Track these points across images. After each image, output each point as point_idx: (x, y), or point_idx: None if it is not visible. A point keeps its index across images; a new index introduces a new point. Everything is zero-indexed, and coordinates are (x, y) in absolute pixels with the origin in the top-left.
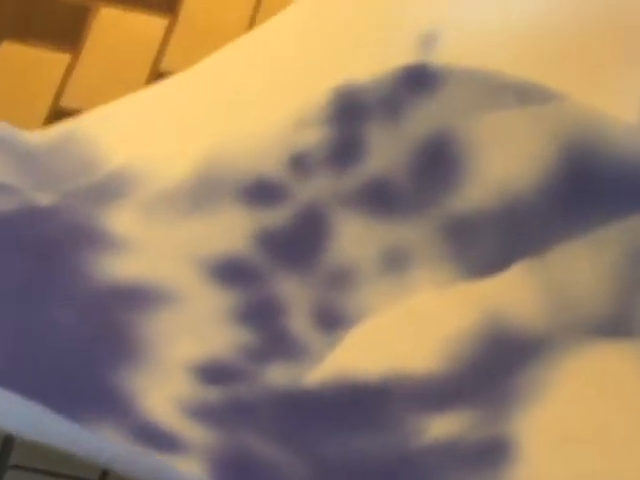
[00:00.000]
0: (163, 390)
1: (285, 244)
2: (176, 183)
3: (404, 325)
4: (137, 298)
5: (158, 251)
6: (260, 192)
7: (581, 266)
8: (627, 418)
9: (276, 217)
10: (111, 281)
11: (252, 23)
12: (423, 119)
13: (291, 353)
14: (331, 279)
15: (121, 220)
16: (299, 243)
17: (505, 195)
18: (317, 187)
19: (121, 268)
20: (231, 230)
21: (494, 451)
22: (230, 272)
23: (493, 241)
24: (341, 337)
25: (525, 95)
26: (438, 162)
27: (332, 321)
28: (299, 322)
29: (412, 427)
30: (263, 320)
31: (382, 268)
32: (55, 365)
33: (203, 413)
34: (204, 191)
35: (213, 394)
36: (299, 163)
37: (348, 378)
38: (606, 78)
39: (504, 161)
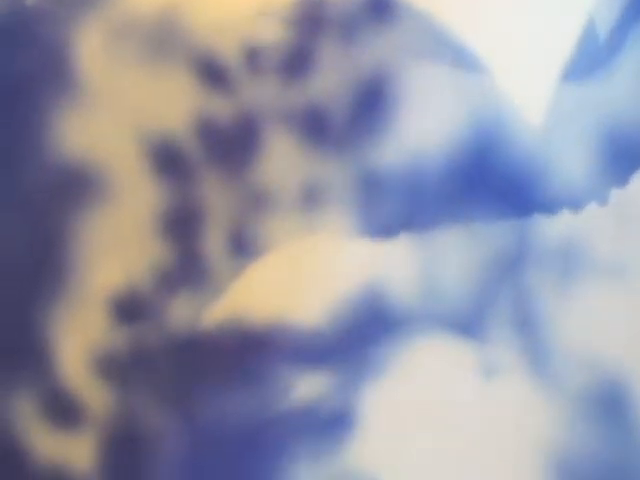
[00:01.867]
0: (80, 335)
1: (220, 140)
2: (143, 10)
3: (301, 267)
4: (79, 185)
5: (109, 112)
6: (211, 70)
7: (454, 253)
8: (457, 411)
9: (219, 104)
10: (63, 153)
11: None
12: (373, 50)
13: (199, 279)
14: (252, 199)
15: (88, 49)
16: (233, 145)
17: (415, 157)
18: (263, 91)
19: (75, 131)
20: (178, 101)
21: (340, 421)
22: (165, 158)
23: (392, 206)
24: (245, 266)
25: (459, 58)
26: (373, 103)
27: (241, 247)
28: (212, 241)
29: (284, 384)
30: (183, 231)
31: (298, 202)
32: None
33: (109, 367)
34: (164, 37)
35: (122, 338)
36: (253, 57)
37: (240, 320)
38: (528, 59)
39: (423, 118)
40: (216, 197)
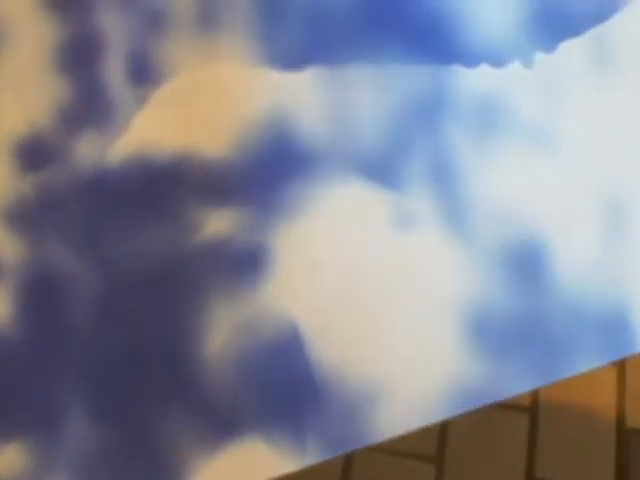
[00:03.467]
0: None
1: None
2: None
3: (205, 95)
4: None
5: None
6: None
7: (367, 94)
8: (369, 256)
9: None
10: None
11: None
12: None
13: (102, 113)
14: (149, 21)
15: None
16: None
17: None
18: None
19: None
20: None
21: (254, 258)
22: None
23: (298, 35)
24: (149, 95)
25: None
26: None
27: (144, 74)
28: (114, 69)
29: (193, 219)
30: (82, 64)
31: (195, 23)
32: None
33: (19, 216)
34: None
35: (29, 184)
36: None
37: (146, 154)
38: None
39: None
40: (112, 24)
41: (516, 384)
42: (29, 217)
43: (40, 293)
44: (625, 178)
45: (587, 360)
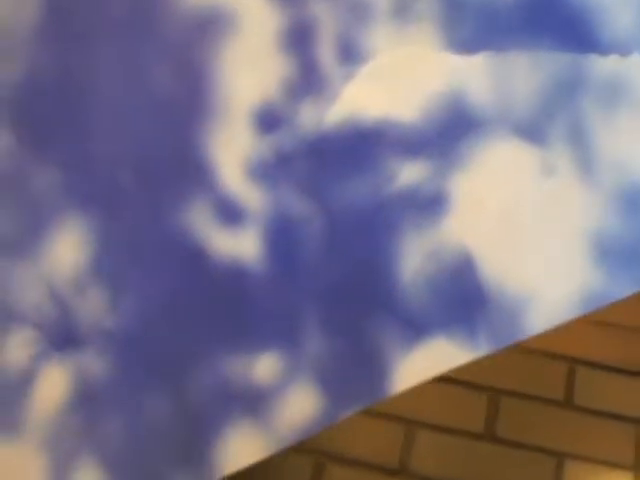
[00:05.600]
0: (233, 148)
1: None
2: None
3: (400, 72)
4: (210, 22)
5: None
6: None
7: (523, 75)
8: (524, 200)
9: None
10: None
11: None
12: None
13: (317, 86)
14: (354, 11)
15: None
16: None
17: None
18: None
19: None
20: None
21: (438, 201)
22: None
23: (475, 24)
24: (355, 72)
25: None
26: None
27: (349, 55)
28: (325, 52)
29: (390, 171)
30: (299, 46)
31: (392, 11)
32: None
33: (260, 172)
34: None
35: (266, 146)
36: None
37: (355, 119)
38: None
39: None
40: (324, 12)
41: (628, 285)
42: (267, 172)
43: (278, 234)
44: None
45: None
